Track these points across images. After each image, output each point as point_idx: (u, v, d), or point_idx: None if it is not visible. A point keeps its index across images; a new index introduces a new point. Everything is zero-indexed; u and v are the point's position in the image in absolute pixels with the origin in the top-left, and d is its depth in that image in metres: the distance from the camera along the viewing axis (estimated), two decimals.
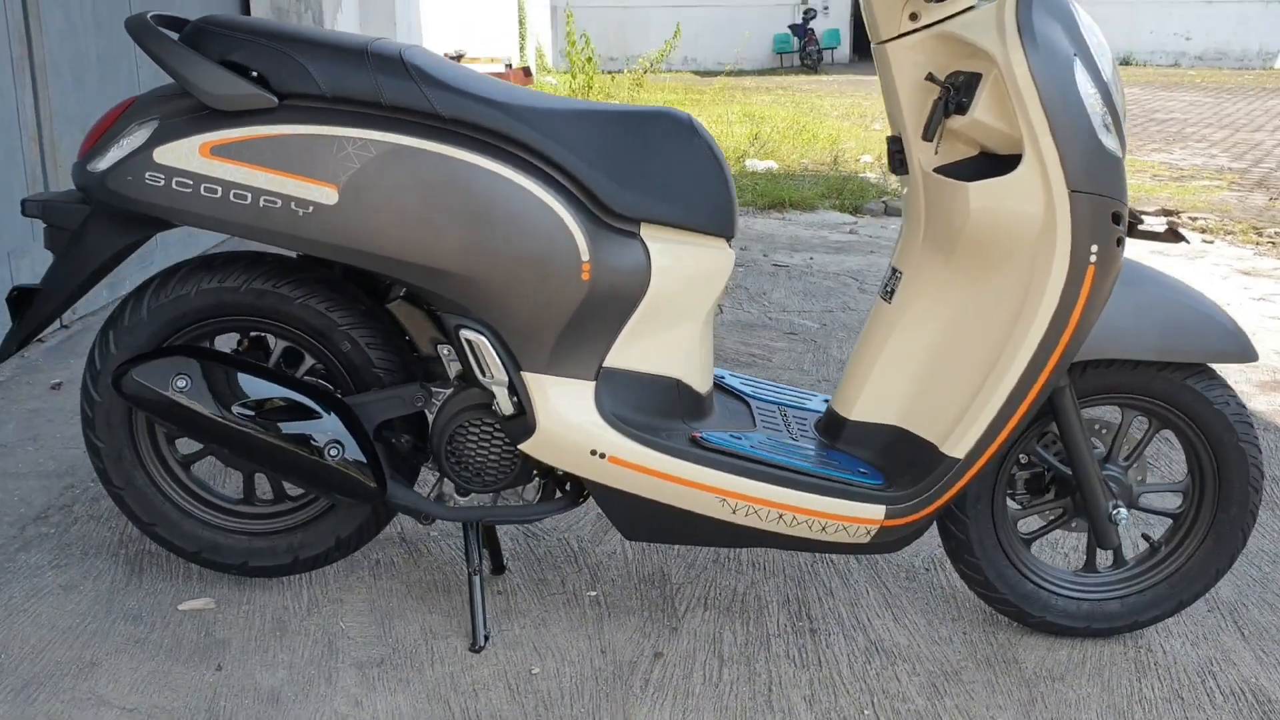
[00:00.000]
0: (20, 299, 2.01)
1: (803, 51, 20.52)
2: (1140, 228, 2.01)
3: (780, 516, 1.95)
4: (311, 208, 1.82)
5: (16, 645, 2.01)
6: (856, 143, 9.83)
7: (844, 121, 11.91)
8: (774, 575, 2.36)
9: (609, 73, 14.61)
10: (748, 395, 2.22)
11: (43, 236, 2.00)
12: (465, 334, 1.88)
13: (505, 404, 1.91)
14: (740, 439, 2.00)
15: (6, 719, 1.82)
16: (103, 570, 2.27)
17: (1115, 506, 2.06)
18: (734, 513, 1.96)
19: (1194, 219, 6.69)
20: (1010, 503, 2.16)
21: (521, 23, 14.72)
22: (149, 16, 1.87)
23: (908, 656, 2.09)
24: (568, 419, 1.91)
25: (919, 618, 2.23)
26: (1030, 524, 2.25)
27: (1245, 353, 2.03)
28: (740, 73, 19.66)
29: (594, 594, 2.27)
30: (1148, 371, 2.04)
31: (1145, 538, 2.23)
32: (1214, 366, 2.08)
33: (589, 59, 12.10)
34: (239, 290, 2.00)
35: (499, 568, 2.31)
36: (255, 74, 1.85)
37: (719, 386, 2.23)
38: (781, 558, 2.42)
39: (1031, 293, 1.87)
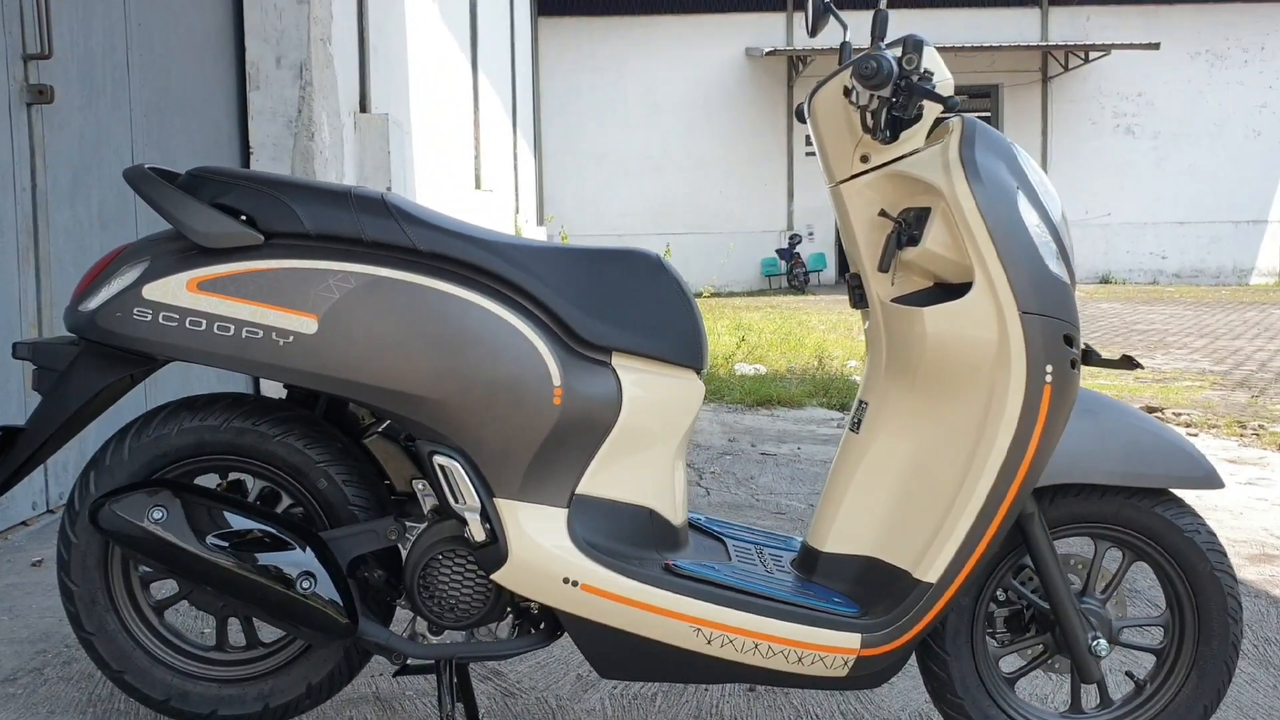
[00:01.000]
0: (4, 440, 2.04)
1: (790, 274, 21.13)
2: (1095, 358, 2.07)
3: (755, 647, 1.94)
4: (292, 337, 1.88)
5: None
6: (843, 350, 10.03)
7: (831, 333, 12.18)
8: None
9: None
10: (723, 534, 2.23)
11: (30, 378, 2.05)
12: (439, 459, 1.91)
13: (478, 531, 1.92)
14: (715, 568, 2.00)
15: None
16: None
17: (1095, 638, 2.04)
18: (709, 643, 1.94)
19: (1178, 414, 6.79)
20: (990, 641, 2.14)
21: None
22: (146, 167, 1.99)
23: None
24: (540, 545, 1.92)
25: None
26: (1012, 664, 2.22)
27: (1210, 479, 2.05)
28: (730, 294, 20.19)
29: None
30: (1116, 500, 2.06)
31: (1129, 675, 2.20)
32: (1182, 497, 2.11)
33: None
34: (219, 429, 2.04)
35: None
36: (244, 216, 1.95)
37: (694, 526, 2.24)
38: (764, 711, 2.38)
39: (992, 414, 1.91)
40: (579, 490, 1.97)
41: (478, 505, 1.91)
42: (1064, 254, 1.97)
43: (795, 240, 21.42)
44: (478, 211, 12.04)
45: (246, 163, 5.59)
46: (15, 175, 3.58)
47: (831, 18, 2.16)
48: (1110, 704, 2.15)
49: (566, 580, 1.92)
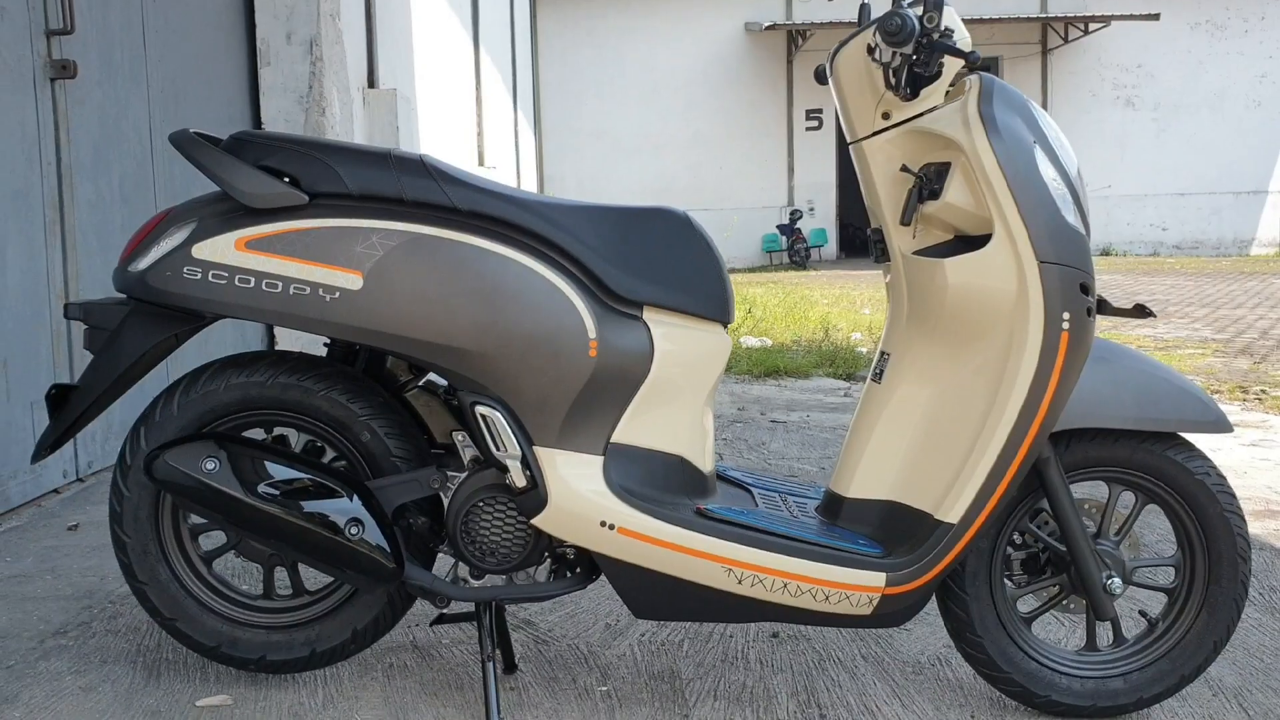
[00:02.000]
0: (59, 398, 2.12)
1: (790, 249, 21.19)
2: (1108, 307, 2.16)
3: (784, 586, 2.02)
4: (338, 293, 1.96)
5: None
6: (847, 323, 10.09)
7: (834, 307, 12.25)
8: (782, 670, 2.39)
9: None
10: (749, 484, 2.31)
11: (83, 338, 2.13)
12: (480, 410, 1.99)
13: (519, 477, 2.00)
14: (745, 512, 2.08)
15: None
16: (121, 675, 2.30)
17: (1109, 577, 2.12)
18: (739, 583, 2.02)
19: None
20: (1008, 583, 2.22)
21: None
22: (191, 131, 2.05)
23: None
24: (578, 491, 2.00)
25: (927, 705, 2.25)
26: (1028, 605, 2.30)
27: (1220, 423, 2.13)
28: (732, 270, 20.24)
29: (605, 689, 2.29)
30: (1129, 444, 2.14)
31: (1142, 614, 2.28)
32: (1193, 441, 2.18)
33: None
34: (265, 384, 2.11)
35: (510, 667, 2.34)
36: (288, 178, 2.02)
37: (720, 476, 2.32)
38: (788, 656, 2.46)
39: (1011, 360, 1.99)
40: (614, 439, 2.04)
41: (518, 453, 1.99)
42: (1080, 207, 2.04)
43: (796, 216, 21.46)
44: None
45: None
46: (41, 149, 3.65)
47: None
48: (1124, 641, 2.23)
49: (603, 524, 2.00)
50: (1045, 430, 2.00)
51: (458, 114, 10.79)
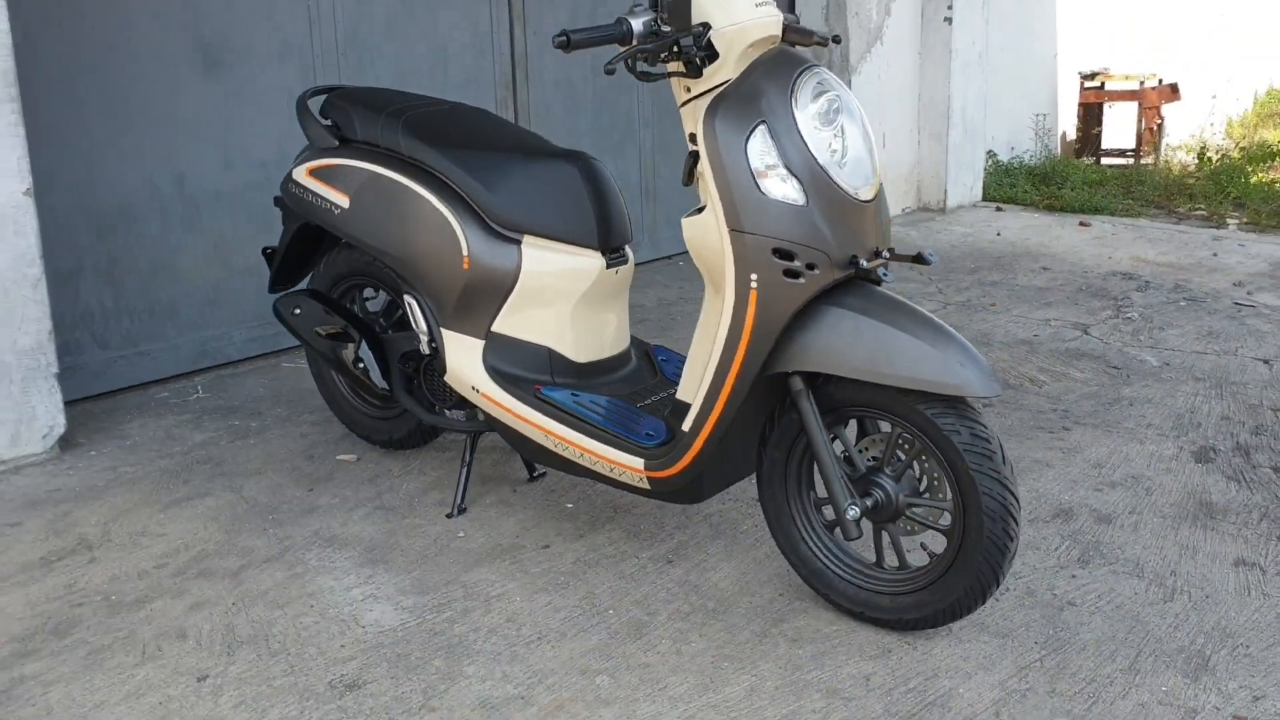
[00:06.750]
0: (270, 256, 3.38)
1: None
2: (863, 266, 2.22)
3: (580, 455, 2.62)
4: (339, 209, 2.93)
5: (240, 459, 3.40)
6: None
7: None
8: (686, 518, 2.94)
9: None
10: (666, 374, 2.85)
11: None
12: (407, 297, 2.86)
13: (425, 347, 2.85)
14: (577, 396, 2.68)
15: (217, 497, 3.21)
16: (326, 430, 3.57)
17: (851, 504, 2.34)
18: (555, 446, 2.67)
19: None
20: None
21: None
22: (308, 93, 3.12)
23: (705, 593, 2.59)
24: (461, 361, 2.78)
25: (746, 566, 2.69)
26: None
27: (965, 386, 2.17)
28: None
29: (570, 506, 3.06)
30: (889, 392, 2.30)
31: (923, 547, 2.45)
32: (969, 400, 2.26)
33: None
34: (361, 261, 3.16)
35: (531, 475, 3.19)
36: (337, 126, 3.01)
37: (652, 361, 2.89)
38: (700, 518, 2.96)
39: (720, 306, 2.33)
40: (493, 328, 2.77)
41: (426, 330, 2.83)
42: (812, 178, 2.22)
43: None
44: None
45: None
46: (494, 43, 4.87)
47: None
48: (907, 567, 2.44)
49: (473, 388, 2.77)
50: (748, 369, 2.30)
51: None
